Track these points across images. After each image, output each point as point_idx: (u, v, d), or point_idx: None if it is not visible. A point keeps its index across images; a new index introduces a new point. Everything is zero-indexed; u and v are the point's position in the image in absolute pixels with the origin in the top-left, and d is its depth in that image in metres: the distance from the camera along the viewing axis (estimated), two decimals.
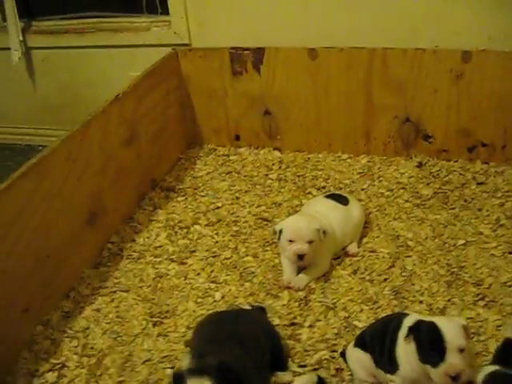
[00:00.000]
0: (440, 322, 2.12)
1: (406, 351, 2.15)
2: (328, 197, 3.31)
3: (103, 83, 4.54)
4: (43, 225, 2.82)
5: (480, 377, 2.13)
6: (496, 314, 2.68)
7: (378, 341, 2.29)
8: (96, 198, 3.23)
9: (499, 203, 3.44)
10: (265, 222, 3.41)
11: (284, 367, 2.48)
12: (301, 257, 2.87)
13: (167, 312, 2.83)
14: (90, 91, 4.65)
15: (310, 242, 2.87)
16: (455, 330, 2.08)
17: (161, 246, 3.29)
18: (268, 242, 3.25)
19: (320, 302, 2.82)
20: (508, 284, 2.84)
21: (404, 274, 2.96)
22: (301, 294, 2.87)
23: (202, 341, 2.39)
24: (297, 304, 2.81)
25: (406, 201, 3.54)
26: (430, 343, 2.07)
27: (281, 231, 2.91)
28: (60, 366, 2.59)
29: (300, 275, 2.95)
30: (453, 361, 2.03)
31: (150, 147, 3.79)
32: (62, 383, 2.50)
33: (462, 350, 2.05)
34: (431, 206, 3.48)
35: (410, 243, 3.18)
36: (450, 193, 3.57)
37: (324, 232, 2.93)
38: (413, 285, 2.88)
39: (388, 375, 2.25)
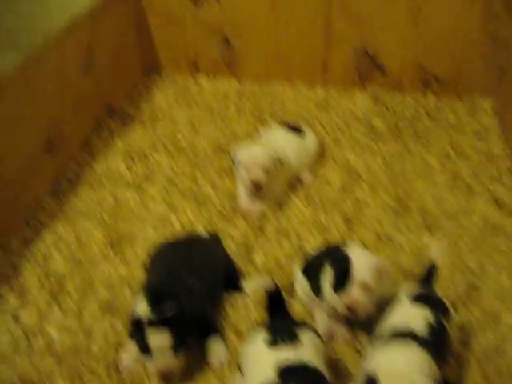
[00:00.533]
0: (355, 254, 2.25)
1: (327, 280, 2.30)
2: (284, 127, 3.39)
3: (59, 9, 4.38)
4: (0, 153, 2.82)
5: (404, 292, 2.29)
6: (438, 240, 2.86)
7: (314, 269, 2.45)
8: (53, 125, 3.22)
9: (448, 137, 3.59)
10: (222, 152, 3.48)
11: (240, 287, 2.61)
12: (256, 185, 2.96)
13: (126, 238, 2.92)
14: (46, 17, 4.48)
15: (265, 171, 2.96)
16: (366, 267, 2.22)
17: (119, 174, 3.33)
18: (225, 170, 3.33)
19: (274, 227, 2.95)
20: (450, 213, 3.03)
21: (354, 202, 3.10)
22: (256, 220, 2.99)
23: (157, 269, 2.49)
24: (251, 229, 2.94)
25: (361, 133, 3.65)
26: (339, 273, 2.22)
27: (237, 160, 2.99)
28: (22, 289, 2.66)
29: (255, 202, 3.06)
30: (353, 294, 2.19)
31: (106, 74, 3.76)
32: (24, 306, 2.58)
33: (366, 287, 2.20)
34: (384, 138, 3.60)
35: (361, 173, 3.32)
36: (403, 126, 3.69)
37: (280, 161, 3.02)
38: (362, 213, 3.03)
39: (318, 301, 2.43)
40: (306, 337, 2.01)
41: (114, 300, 2.59)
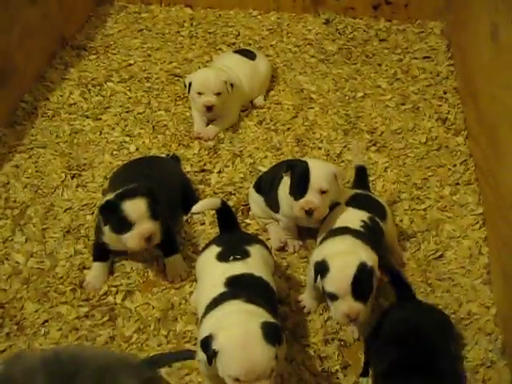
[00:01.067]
0: (313, 164, 2.38)
1: (285, 191, 2.42)
2: (236, 52, 3.44)
3: None
4: None
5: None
6: (385, 158, 3.01)
7: (269, 183, 2.58)
8: (4, 57, 3.19)
9: (398, 59, 3.68)
10: (176, 78, 3.52)
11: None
12: (209, 108, 3.03)
13: (84, 165, 2.98)
14: None
15: (217, 94, 3.03)
16: (323, 173, 2.34)
17: (75, 104, 3.35)
18: (180, 96, 3.39)
19: (228, 150, 3.05)
20: (398, 131, 3.16)
21: (306, 123, 3.21)
22: (210, 143, 3.08)
23: (118, 184, 2.52)
24: (206, 152, 3.03)
25: (312, 56, 3.71)
26: (298, 179, 2.33)
27: (190, 84, 3.05)
28: None
29: (209, 126, 3.14)
30: (310, 198, 2.31)
31: (56, 5, 3.69)
32: None
33: (323, 192, 2.32)
34: (335, 61, 3.67)
35: (313, 96, 3.41)
36: (354, 49, 3.76)
37: (232, 84, 3.08)
38: (313, 133, 3.15)
39: (274, 214, 2.57)
40: (254, 249, 2.15)
41: (76, 224, 2.69)
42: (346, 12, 4.03)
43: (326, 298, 2.11)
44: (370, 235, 2.25)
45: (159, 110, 3.30)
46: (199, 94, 3.03)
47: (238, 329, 1.78)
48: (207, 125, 3.14)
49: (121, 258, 2.54)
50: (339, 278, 2.03)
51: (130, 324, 2.31)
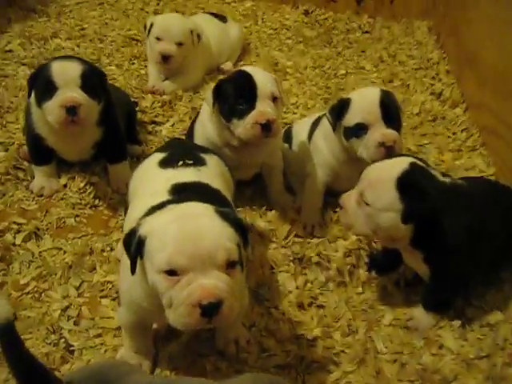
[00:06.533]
0: (252, 70, 1.77)
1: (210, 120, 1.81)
2: (207, 13, 2.91)
3: None
4: None
5: None
6: None
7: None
8: None
9: (383, 47, 3.17)
10: (135, 42, 2.94)
11: (137, 140, 2.17)
12: (165, 58, 2.45)
13: (9, 107, 2.34)
14: None
15: (179, 44, 2.46)
16: (269, 77, 1.75)
17: (11, 51, 2.74)
18: (136, 57, 2.79)
19: (185, 106, 2.44)
20: None
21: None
22: (166, 97, 2.47)
23: None
24: (160, 105, 2.42)
25: (289, 38, 3.20)
26: (241, 89, 1.70)
27: (151, 26, 2.47)
28: None
29: (166, 81, 2.55)
30: (263, 108, 1.68)
31: None
32: None
33: (275, 99, 1.72)
34: (314, 44, 3.15)
35: (288, 70, 2.86)
36: (335, 36, 3.26)
37: (198, 36, 2.52)
38: (288, 101, 2.57)
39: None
40: (211, 159, 1.53)
41: None
42: (327, 5, 3.56)
43: (348, 142, 1.76)
44: None
45: (109, 65, 2.71)
46: (158, 39, 2.46)
47: (178, 209, 1.16)
48: (163, 80, 2.56)
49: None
50: (365, 105, 1.72)
51: (28, 270, 1.61)
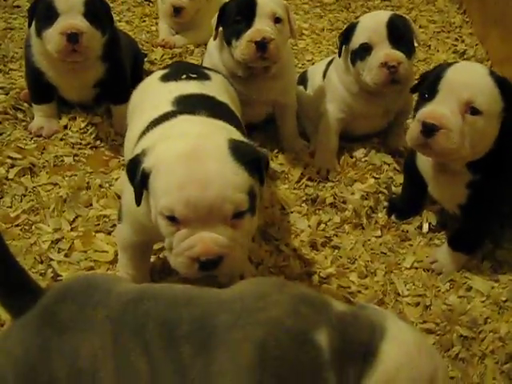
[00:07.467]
0: None
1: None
2: None
3: None
4: None
5: None
6: None
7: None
8: None
9: (403, 13, 3.00)
10: (147, 2, 2.82)
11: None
12: (177, 10, 2.32)
13: (13, 57, 2.22)
14: None
15: None
16: None
17: (19, 7, 2.63)
18: (147, 15, 2.67)
19: (196, 61, 2.27)
20: None
21: (295, 48, 2.48)
22: (176, 50, 2.34)
23: None
24: (170, 57, 2.29)
25: (306, 3, 3.06)
26: (240, 7, 1.55)
27: None
28: None
29: (177, 35, 2.42)
30: (260, 26, 1.52)
31: None
32: None
33: (277, 21, 1.56)
34: (332, 9, 3.02)
35: (304, 32, 2.71)
36: (353, 2, 3.12)
37: None
38: (304, 58, 2.43)
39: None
40: (216, 76, 1.40)
41: None
42: None
43: (354, 68, 1.63)
44: None
45: (119, 22, 2.58)
46: None
47: (188, 139, 1.01)
48: (174, 34, 2.43)
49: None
50: (371, 24, 1.58)
51: (20, 204, 1.47)
